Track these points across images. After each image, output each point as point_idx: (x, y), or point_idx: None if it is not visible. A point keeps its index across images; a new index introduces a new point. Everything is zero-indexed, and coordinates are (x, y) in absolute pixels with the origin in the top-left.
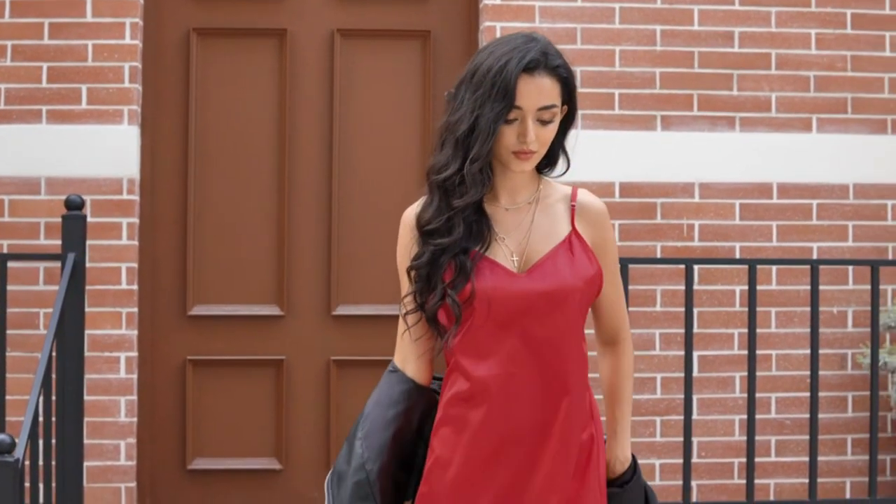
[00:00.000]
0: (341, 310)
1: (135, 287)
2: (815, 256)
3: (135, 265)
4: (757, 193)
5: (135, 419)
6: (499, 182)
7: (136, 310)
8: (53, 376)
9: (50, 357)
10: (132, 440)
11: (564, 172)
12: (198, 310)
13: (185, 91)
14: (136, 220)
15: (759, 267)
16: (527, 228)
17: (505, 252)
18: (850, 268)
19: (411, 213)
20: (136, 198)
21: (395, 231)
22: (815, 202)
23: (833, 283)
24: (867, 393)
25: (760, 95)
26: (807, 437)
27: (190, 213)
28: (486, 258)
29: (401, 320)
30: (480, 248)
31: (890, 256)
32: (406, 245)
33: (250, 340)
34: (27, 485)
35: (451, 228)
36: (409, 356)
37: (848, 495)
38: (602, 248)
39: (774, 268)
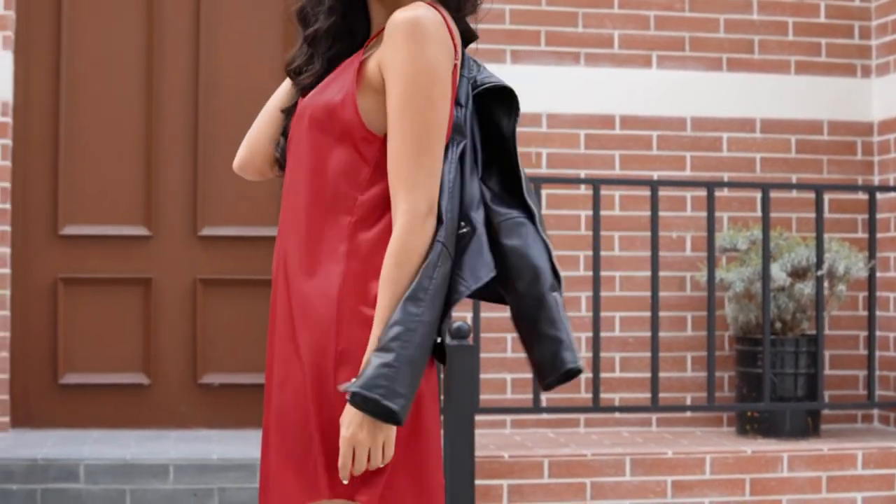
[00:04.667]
0: (207, 231)
1: (7, 206)
2: None
3: (8, 185)
4: (600, 124)
5: (8, 333)
6: (376, 22)
7: (8, 228)
8: None
9: None
10: (5, 354)
11: None
12: (68, 229)
13: (58, 17)
14: (9, 141)
15: (603, 194)
16: None
17: None
18: (689, 195)
19: None
20: (9, 120)
21: None
22: (655, 133)
23: (672, 210)
24: (705, 313)
25: (604, 33)
26: (649, 353)
27: (61, 135)
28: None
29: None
30: None
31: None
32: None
33: (119, 260)
34: None
35: (312, 63)
36: None
37: (688, 411)
38: (385, 69)
39: (617, 194)
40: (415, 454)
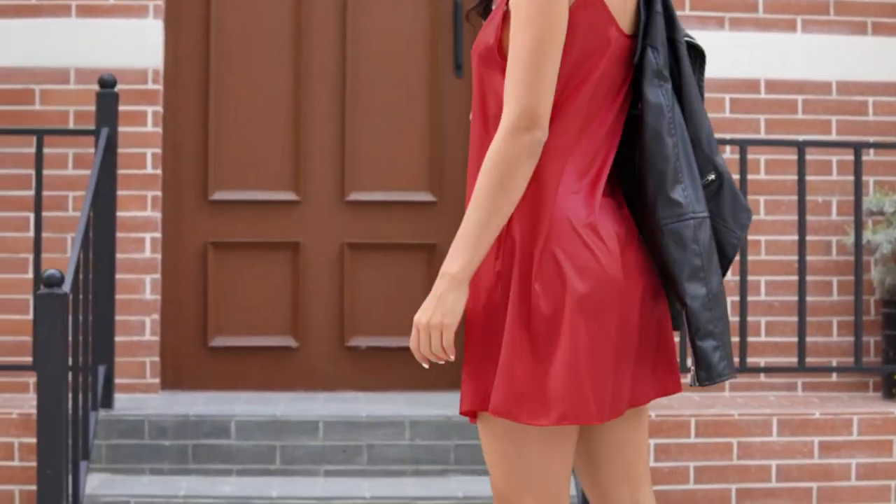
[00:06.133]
0: (354, 196)
1: (158, 172)
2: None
3: (158, 151)
4: (745, 88)
5: (159, 296)
6: None
7: (159, 194)
8: (90, 234)
9: (89, 217)
10: (156, 317)
11: None
12: (218, 195)
13: None
14: (159, 108)
15: (748, 158)
16: None
17: None
18: (834, 159)
19: None
20: (159, 87)
21: (405, 119)
22: (800, 98)
23: (818, 174)
24: (851, 277)
25: None
26: (794, 318)
27: (211, 102)
28: None
29: None
30: None
31: (871, 149)
32: None
33: (268, 224)
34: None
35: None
36: None
37: (834, 375)
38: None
39: (763, 158)
40: (542, 357)
